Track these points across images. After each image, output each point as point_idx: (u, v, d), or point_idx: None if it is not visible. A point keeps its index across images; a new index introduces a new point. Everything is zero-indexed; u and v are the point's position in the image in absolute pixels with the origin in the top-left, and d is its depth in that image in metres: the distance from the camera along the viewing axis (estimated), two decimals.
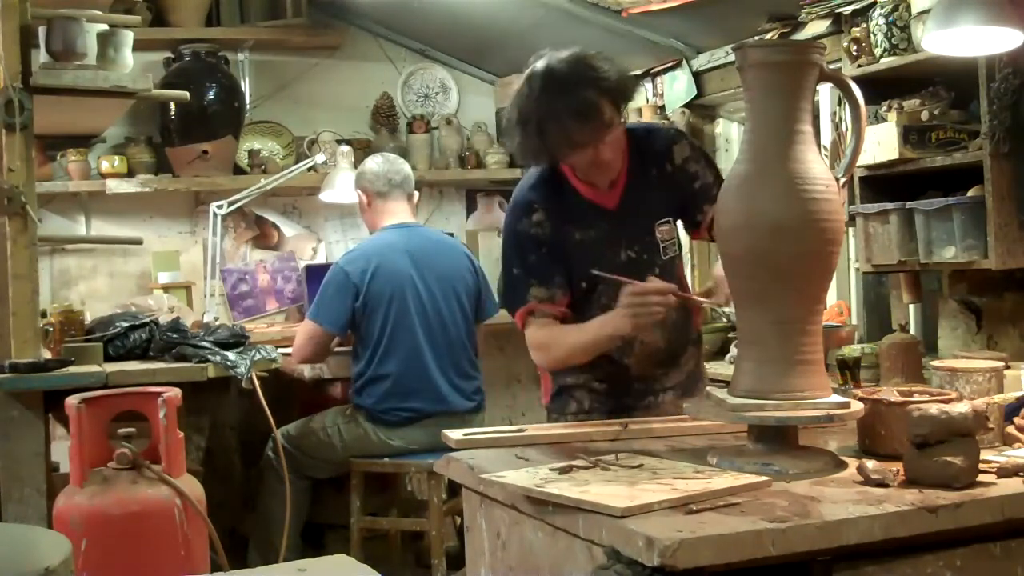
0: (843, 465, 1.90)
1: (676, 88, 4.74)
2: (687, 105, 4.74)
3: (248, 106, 5.17)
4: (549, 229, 2.46)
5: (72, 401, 2.96)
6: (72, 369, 3.37)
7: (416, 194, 4.15)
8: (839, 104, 3.58)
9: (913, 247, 3.22)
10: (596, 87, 2.33)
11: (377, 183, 4.03)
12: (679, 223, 2.61)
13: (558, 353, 2.47)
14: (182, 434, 3.05)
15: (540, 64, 2.38)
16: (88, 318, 3.86)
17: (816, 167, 1.93)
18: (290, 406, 4.31)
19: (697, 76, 4.64)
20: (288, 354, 4.05)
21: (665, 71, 4.75)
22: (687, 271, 4.81)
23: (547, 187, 2.50)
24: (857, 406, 1.95)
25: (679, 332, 2.59)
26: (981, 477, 1.76)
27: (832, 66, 3.25)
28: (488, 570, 2.03)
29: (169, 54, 4.94)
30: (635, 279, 2.32)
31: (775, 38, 3.77)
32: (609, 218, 2.50)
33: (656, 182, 2.52)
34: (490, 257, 4.63)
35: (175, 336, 3.65)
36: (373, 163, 4.09)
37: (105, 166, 4.86)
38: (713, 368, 3.98)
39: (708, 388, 2.29)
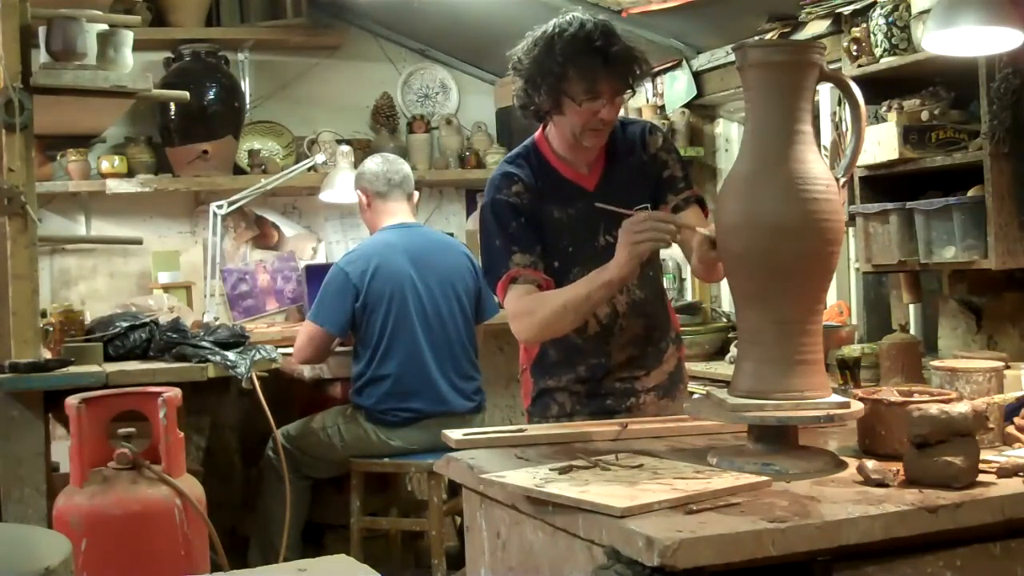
0: (843, 465, 1.90)
1: (676, 88, 4.75)
2: (687, 105, 4.75)
3: (248, 106, 5.17)
4: (528, 200, 2.47)
5: (72, 401, 2.96)
6: (72, 369, 3.37)
7: (416, 194, 4.15)
8: (839, 104, 3.59)
9: (913, 247, 3.22)
10: (626, 47, 2.40)
11: (376, 183, 4.03)
12: None
13: (544, 314, 2.37)
14: (182, 434, 3.05)
15: (566, 19, 2.40)
16: (88, 318, 3.86)
17: (816, 167, 1.93)
18: (290, 406, 4.31)
19: (697, 76, 4.65)
20: (288, 354, 4.05)
21: (665, 71, 4.75)
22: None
23: (528, 164, 2.51)
24: (857, 406, 1.95)
25: (657, 322, 2.59)
26: (981, 477, 1.76)
27: (832, 66, 3.25)
28: (488, 570, 2.03)
29: (169, 54, 4.94)
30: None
31: (775, 38, 3.77)
32: (588, 199, 2.50)
33: (633, 169, 2.55)
34: None
35: (175, 336, 3.65)
36: (372, 163, 4.09)
37: (105, 166, 4.86)
38: (713, 368, 3.99)
39: (708, 388, 2.29)
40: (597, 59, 2.35)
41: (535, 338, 2.51)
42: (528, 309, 2.40)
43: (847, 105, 2.10)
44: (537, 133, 2.58)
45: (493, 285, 2.48)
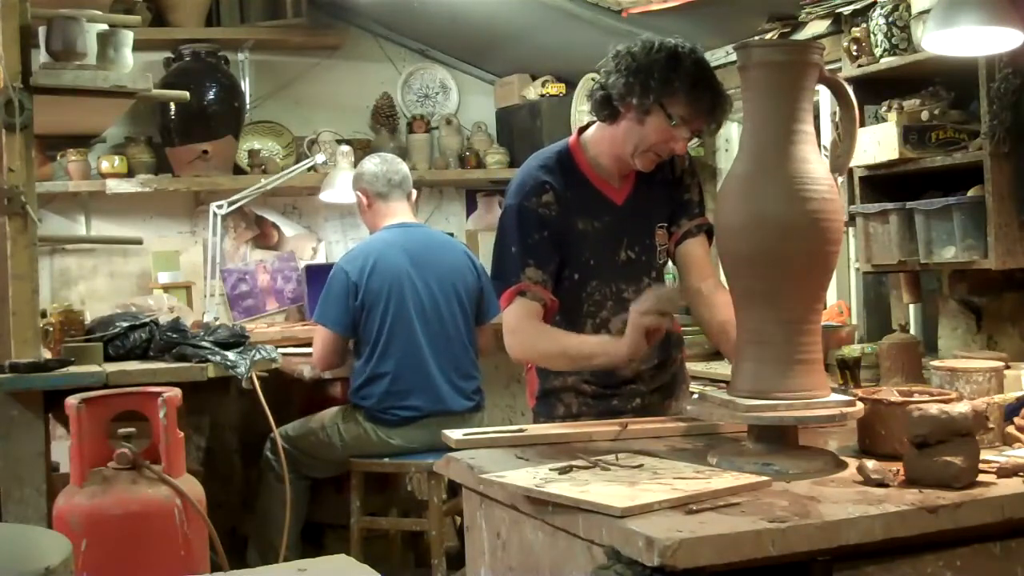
0: (843, 465, 1.90)
1: None
2: None
3: (248, 106, 5.17)
4: (556, 211, 2.44)
5: (72, 401, 2.96)
6: (72, 369, 3.37)
7: (414, 192, 4.15)
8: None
9: (913, 247, 3.22)
10: (731, 104, 2.43)
11: (377, 184, 4.02)
12: None
13: (542, 349, 2.42)
14: (182, 434, 3.05)
15: (690, 45, 2.39)
16: (88, 318, 3.86)
17: (817, 167, 1.93)
18: (290, 406, 4.31)
19: None
20: (288, 354, 4.06)
21: None
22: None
23: (560, 171, 2.49)
24: (857, 406, 1.95)
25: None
26: (981, 477, 1.76)
27: (832, 66, 3.25)
28: (488, 570, 2.03)
29: (169, 54, 4.94)
30: (632, 283, 2.45)
31: (775, 38, 3.77)
32: (615, 213, 2.50)
33: (659, 188, 2.56)
34: (490, 258, 4.62)
35: (175, 336, 3.65)
36: (371, 164, 4.08)
37: (105, 166, 4.86)
38: (713, 368, 3.99)
39: (708, 388, 2.30)
40: (709, 96, 2.36)
41: (523, 361, 2.55)
42: (529, 334, 2.41)
43: (840, 108, 2.10)
44: (571, 138, 2.56)
45: (499, 290, 2.47)
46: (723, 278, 2.18)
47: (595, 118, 2.50)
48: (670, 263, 2.63)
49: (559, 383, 2.56)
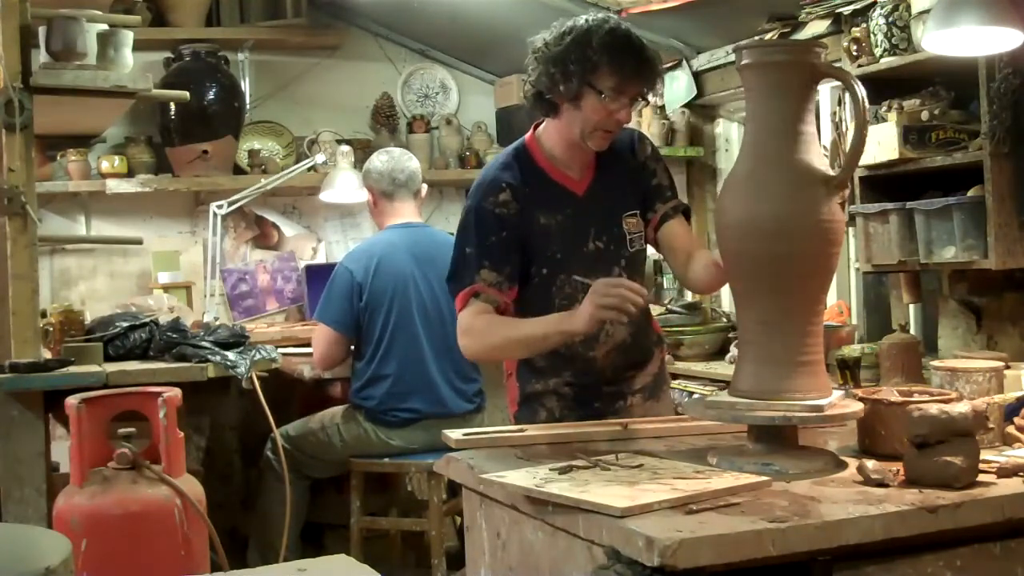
0: (843, 465, 1.90)
1: (676, 88, 4.74)
2: (687, 105, 4.75)
3: (248, 106, 5.17)
4: (515, 210, 2.42)
5: (72, 401, 2.96)
6: (72, 369, 3.37)
7: (424, 187, 4.11)
8: (839, 104, 3.59)
9: (913, 247, 3.22)
10: (657, 55, 2.41)
11: (382, 182, 3.98)
12: None
13: (495, 340, 2.38)
14: (182, 434, 3.05)
15: (600, 16, 2.38)
16: (88, 318, 3.86)
17: (817, 167, 1.93)
18: (290, 406, 4.31)
19: (697, 76, 4.65)
20: (287, 354, 4.05)
21: (665, 71, 4.75)
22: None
23: (518, 168, 2.46)
24: (857, 406, 1.95)
25: (641, 327, 2.56)
26: (981, 477, 1.76)
27: None
28: (488, 570, 2.03)
29: (169, 54, 4.94)
30: (602, 272, 2.36)
31: (775, 38, 3.77)
32: (577, 204, 2.47)
33: (623, 175, 2.53)
34: None
35: (175, 336, 3.65)
36: (378, 161, 4.02)
37: (105, 166, 4.86)
38: (713, 368, 3.99)
39: (709, 388, 2.29)
40: (632, 58, 2.34)
41: (480, 359, 2.53)
42: (480, 329, 2.38)
43: (848, 101, 2.10)
44: (527, 135, 2.54)
45: (454, 292, 2.44)
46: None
47: (538, 117, 2.49)
48: (650, 250, 2.59)
49: (540, 387, 2.52)
